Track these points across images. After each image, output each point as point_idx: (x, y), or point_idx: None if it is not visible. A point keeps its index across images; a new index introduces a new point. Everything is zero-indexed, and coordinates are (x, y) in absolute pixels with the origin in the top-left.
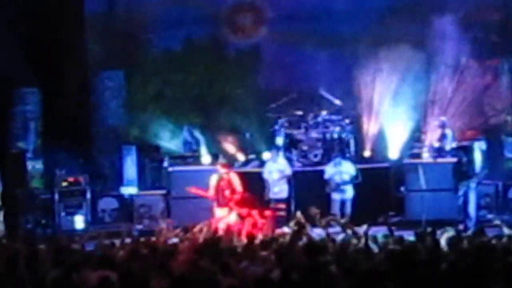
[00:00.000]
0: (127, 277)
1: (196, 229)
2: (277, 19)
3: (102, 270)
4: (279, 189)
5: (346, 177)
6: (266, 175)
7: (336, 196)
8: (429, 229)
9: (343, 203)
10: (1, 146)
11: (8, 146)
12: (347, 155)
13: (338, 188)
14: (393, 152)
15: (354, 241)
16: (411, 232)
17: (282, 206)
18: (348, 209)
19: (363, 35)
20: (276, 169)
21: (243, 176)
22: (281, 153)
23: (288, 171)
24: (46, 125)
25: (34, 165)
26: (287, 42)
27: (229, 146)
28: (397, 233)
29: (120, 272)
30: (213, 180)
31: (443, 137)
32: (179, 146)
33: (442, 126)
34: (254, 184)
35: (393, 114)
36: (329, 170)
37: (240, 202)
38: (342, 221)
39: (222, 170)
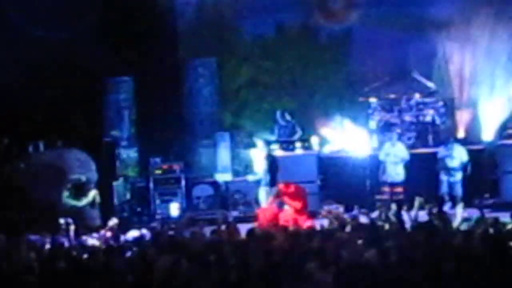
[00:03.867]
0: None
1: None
2: (368, 3)
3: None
4: (395, 173)
5: (457, 163)
6: (382, 157)
7: (444, 178)
8: None
9: (450, 185)
10: (96, 135)
11: (102, 135)
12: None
13: (448, 170)
14: (488, 133)
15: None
16: (507, 214)
17: (400, 189)
18: (459, 191)
19: (456, 17)
20: (394, 153)
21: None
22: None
23: (406, 155)
24: (139, 114)
25: (129, 154)
26: (379, 26)
27: (325, 131)
28: (492, 215)
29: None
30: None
31: None
32: (272, 131)
33: None
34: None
35: (487, 96)
36: (442, 152)
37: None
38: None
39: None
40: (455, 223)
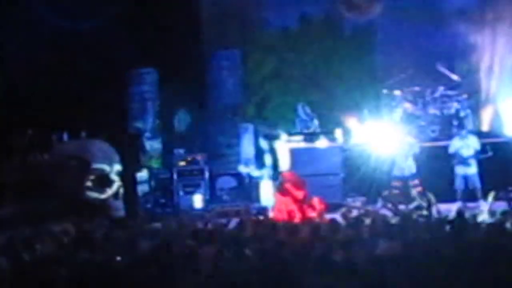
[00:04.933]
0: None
1: None
2: None
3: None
4: (405, 165)
5: (472, 152)
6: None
7: (459, 171)
8: None
9: (466, 178)
10: (119, 126)
11: (126, 126)
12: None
13: (464, 161)
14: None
15: None
16: None
17: (417, 181)
18: (476, 183)
19: (481, 11)
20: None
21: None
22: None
23: (416, 148)
24: (163, 105)
25: (153, 145)
26: (403, 18)
27: (349, 123)
28: None
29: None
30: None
31: None
32: (295, 123)
33: None
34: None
35: (508, 90)
36: (456, 143)
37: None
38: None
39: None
40: (481, 216)
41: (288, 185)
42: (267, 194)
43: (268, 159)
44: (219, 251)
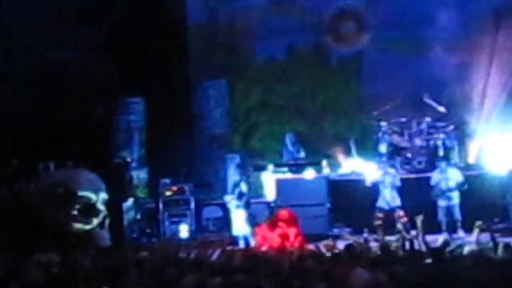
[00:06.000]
0: None
1: None
2: (380, 26)
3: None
4: (390, 197)
5: (452, 184)
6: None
7: (442, 203)
8: None
9: (448, 209)
10: (106, 155)
11: (112, 155)
12: (452, 161)
13: (443, 194)
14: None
15: None
16: None
17: (401, 213)
18: (457, 215)
19: (467, 42)
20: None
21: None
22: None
23: (397, 181)
24: (150, 135)
25: (139, 174)
26: (390, 49)
27: (335, 154)
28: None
29: None
30: None
31: None
32: (282, 154)
33: None
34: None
35: (500, 122)
36: (435, 177)
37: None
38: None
39: None
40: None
41: (281, 224)
42: (240, 224)
43: (244, 188)
44: (201, 279)
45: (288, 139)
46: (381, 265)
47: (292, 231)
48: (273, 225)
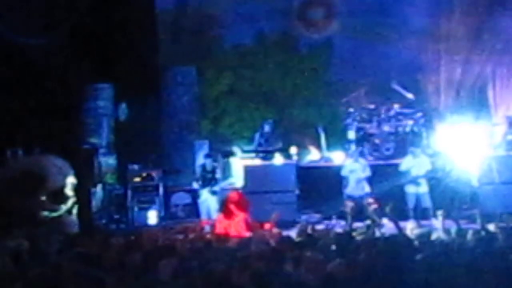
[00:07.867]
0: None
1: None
2: (349, 13)
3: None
4: (361, 186)
5: (422, 171)
6: (345, 173)
7: (410, 190)
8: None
9: (418, 197)
10: (74, 142)
11: (81, 142)
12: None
13: (414, 180)
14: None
15: None
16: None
17: (371, 200)
18: (427, 202)
19: (435, 28)
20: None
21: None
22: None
23: (368, 171)
24: (118, 121)
25: (107, 161)
26: (359, 36)
27: (303, 141)
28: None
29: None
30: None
31: None
32: (251, 140)
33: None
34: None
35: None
36: (408, 162)
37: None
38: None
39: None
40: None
41: (231, 206)
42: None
43: (213, 174)
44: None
45: (267, 126)
46: (337, 251)
47: (242, 216)
48: (224, 210)
